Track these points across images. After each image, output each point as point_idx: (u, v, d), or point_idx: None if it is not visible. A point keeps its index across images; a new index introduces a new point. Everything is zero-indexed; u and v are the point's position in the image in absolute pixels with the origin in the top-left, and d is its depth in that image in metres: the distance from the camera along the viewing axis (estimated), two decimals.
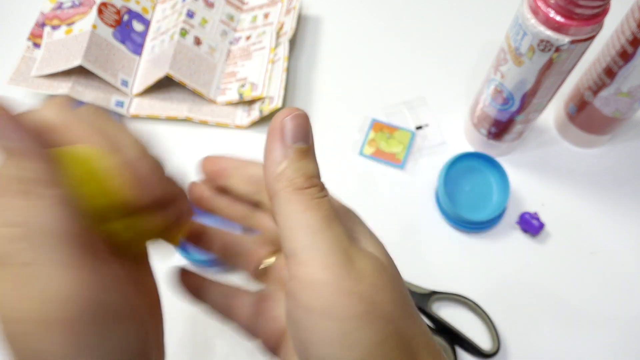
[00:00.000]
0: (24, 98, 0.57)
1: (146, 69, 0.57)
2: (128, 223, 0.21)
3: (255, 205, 0.26)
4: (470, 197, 0.50)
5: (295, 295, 0.20)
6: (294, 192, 0.20)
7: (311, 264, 0.19)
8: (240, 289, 0.26)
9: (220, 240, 0.27)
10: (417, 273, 0.47)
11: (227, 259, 0.27)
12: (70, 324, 0.17)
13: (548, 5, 0.37)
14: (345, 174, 0.52)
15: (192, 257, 0.46)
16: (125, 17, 0.59)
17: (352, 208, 0.24)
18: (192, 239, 0.27)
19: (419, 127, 0.55)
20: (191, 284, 0.26)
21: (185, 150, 0.55)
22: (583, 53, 0.39)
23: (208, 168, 0.26)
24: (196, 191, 0.27)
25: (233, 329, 0.25)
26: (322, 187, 0.21)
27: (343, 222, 0.21)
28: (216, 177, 0.26)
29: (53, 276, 0.17)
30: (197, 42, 0.57)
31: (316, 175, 0.21)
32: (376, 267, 0.20)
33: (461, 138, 0.55)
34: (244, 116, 0.55)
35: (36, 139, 0.18)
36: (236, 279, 0.27)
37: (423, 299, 0.45)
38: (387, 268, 0.21)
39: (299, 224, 0.20)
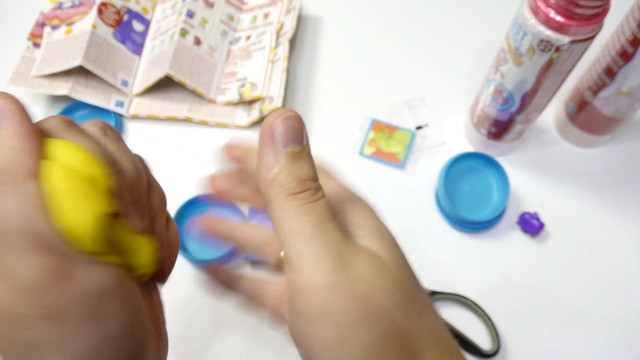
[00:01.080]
0: (24, 98, 0.57)
1: (146, 69, 0.57)
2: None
3: None
4: (470, 197, 0.50)
5: (293, 301, 0.20)
6: (287, 197, 0.20)
7: (305, 271, 0.19)
8: (267, 280, 0.26)
9: (242, 231, 0.27)
10: (417, 273, 0.47)
11: (249, 250, 0.27)
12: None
13: (548, 5, 0.37)
14: (346, 174, 0.52)
15: (192, 257, 0.46)
16: (125, 17, 0.59)
17: (357, 194, 0.23)
18: (213, 232, 0.27)
19: (419, 127, 0.55)
20: (222, 278, 0.26)
21: (185, 150, 0.55)
22: (583, 53, 0.39)
23: (231, 154, 0.26)
24: (217, 183, 0.27)
25: (262, 317, 0.26)
26: (315, 190, 0.20)
27: (343, 216, 0.21)
28: (238, 162, 0.26)
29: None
30: (197, 42, 0.57)
31: (310, 177, 0.20)
32: (374, 267, 0.20)
33: (461, 138, 0.55)
34: (244, 116, 0.55)
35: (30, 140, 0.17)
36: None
37: None
38: (388, 266, 0.20)
39: (293, 231, 0.19)
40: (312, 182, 0.20)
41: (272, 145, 0.20)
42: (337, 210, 0.22)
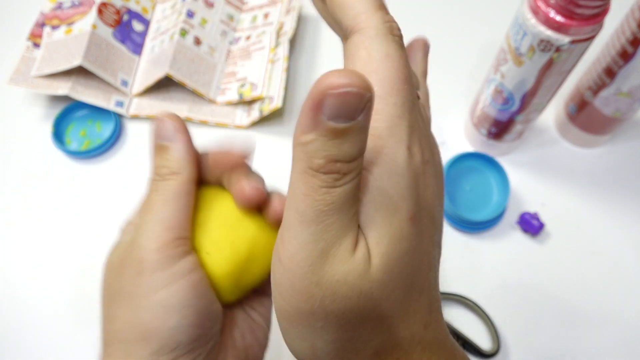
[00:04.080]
0: (24, 98, 0.57)
1: (146, 69, 0.57)
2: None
3: None
4: (470, 197, 0.50)
5: (272, 266, 0.20)
6: (308, 170, 0.17)
7: (286, 247, 0.19)
8: None
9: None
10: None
11: None
12: None
13: (548, 5, 0.37)
14: None
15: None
16: (125, 17, 0.59)
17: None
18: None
19: None
20: None
21: None
22: (583, 53, 0.39)
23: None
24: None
25: None
26: (344, 174, 0.18)
27: (370, 202, 0.19)
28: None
29: None
30: (197, 42, 0.57)
31: (346, 159, 0.17)
32: (349, 276, 0.18)
33: (461, 138, 0.55)
34: (243, 116, 0.55)
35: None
36: None
37: None
38: (371, 280, 0.19)
39: (296, 207, 0.18)
40: (345, 164, 0.17)
41: (317, 113, 0.17)
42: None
